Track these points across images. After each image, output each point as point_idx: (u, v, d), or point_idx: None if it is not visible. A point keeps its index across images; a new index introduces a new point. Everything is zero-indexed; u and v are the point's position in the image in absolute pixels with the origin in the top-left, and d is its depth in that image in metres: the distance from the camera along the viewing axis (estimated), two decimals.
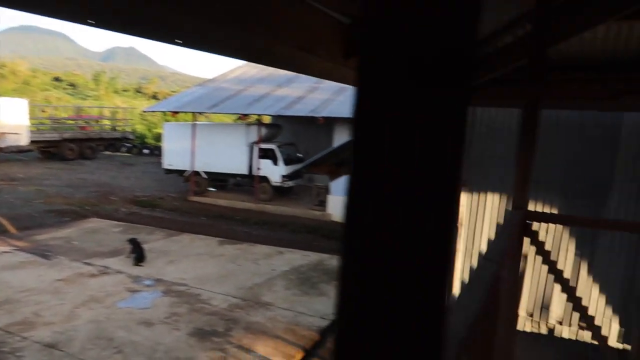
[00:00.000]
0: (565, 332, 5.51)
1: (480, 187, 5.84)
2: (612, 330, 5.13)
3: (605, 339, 5.11)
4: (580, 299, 3.14)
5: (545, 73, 2.73)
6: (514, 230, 2.38)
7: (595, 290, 5.31)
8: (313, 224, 14.58)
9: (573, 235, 5.39)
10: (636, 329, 5.08)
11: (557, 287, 5.46)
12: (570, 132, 5.35)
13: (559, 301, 5.39)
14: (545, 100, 3.02)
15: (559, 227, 5.39)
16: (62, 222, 13.41)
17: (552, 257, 5.47)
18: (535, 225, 2.89)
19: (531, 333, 5.77)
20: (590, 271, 5.32)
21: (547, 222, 4.23)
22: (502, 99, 4.14)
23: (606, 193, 5.21)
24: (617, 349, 5.13)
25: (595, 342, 5.18)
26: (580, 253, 5.37)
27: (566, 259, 5.44)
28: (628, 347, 5.13)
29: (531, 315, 5.69)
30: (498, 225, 5.51)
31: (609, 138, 5.17)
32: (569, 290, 3.00)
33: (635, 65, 4.13)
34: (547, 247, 5.50)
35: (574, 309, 3.14)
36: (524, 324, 5.75)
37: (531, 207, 5.46)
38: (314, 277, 10.10)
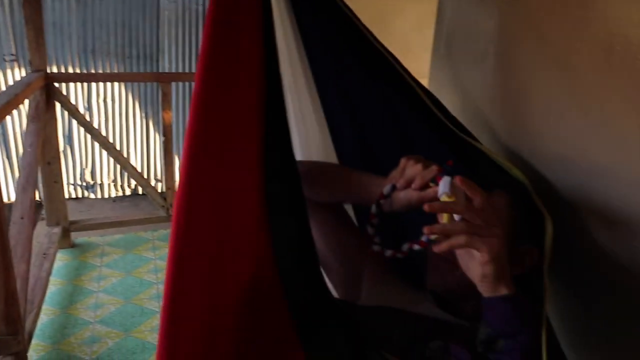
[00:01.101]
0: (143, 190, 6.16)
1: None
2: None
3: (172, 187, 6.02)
4: (127, 161, 3.52)
5: None
6: (28, 91, 2.38)
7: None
8: None
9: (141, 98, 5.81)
10: None
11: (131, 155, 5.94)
12: (118, 0, 5.47)
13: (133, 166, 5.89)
14: None
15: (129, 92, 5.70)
16: None
17: (121, 122, 5.81)
18: (64, 88, 2.93)
19: (118, 196, 6.21)
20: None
21: (69, 81, 4.37)
22: None
23: (158, 55, 5.76)
24: None
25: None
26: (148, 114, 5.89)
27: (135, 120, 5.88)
28: None
29: (114, 181, 6.08)
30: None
31: (152, 6, 5.59)
32: (114, 153, 3.32)
33: None
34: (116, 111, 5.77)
35: (125, 170, 3.53)
36: (109, 190, 6.11)
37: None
38: None
